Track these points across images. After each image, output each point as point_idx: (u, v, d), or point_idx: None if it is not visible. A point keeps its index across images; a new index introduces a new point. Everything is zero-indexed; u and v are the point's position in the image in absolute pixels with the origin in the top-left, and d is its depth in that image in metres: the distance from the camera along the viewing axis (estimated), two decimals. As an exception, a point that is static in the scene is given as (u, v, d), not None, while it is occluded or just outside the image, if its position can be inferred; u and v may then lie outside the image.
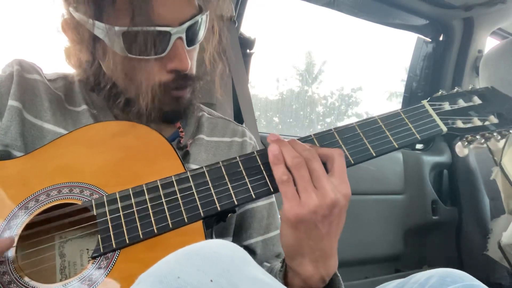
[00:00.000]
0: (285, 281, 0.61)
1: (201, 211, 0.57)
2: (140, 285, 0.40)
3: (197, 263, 0.40)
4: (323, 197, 0.54)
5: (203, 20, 0.70)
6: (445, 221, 2.06)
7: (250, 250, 0.79)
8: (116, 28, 0.62)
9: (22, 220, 0.57)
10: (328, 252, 0.57)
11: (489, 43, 2.12)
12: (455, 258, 2.10)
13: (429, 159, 2.05)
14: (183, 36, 0.66)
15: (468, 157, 2.10)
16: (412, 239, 1.97)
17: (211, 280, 0.39)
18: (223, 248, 0.44)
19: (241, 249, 0.46)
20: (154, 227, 0.56)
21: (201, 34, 0.71)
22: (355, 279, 1.75)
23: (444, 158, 2.12)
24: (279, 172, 0.56)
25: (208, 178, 0.59)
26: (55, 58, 0.75)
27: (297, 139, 0.62)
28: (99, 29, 0.63)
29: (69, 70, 0.77)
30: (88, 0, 0.62)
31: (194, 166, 0.73)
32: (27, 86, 0.69)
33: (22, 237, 0.57)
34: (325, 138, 0.63)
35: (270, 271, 0.70)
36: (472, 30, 2.04)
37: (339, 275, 0.61)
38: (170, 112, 0.72)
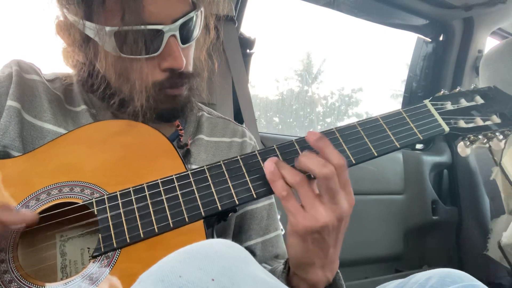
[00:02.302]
0: (287, 282, 0.61)
1: (202, 210, 0.57)
2: (141, 284, 0.40)
3: (199, 262, 0.40)
4: (333, 211, 0.54)
5: (198, 17, 0.69)
6: (445, 221, 2.06)
7: (249, 252, 0.79)
8: (107, 28, 0.62)
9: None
10: (334, 258, 0.58)
11: (489, 43, 2.13)
12: (455, 258, 2.10)
13: (429, 159, 2.05)
14: (177, 33, 0.65)
15: (468, 157, 2.11)
16: (412, 239, 1.97)
17: (213, 279, 0.39)
18: (225, 247, 0.44)
19: (242, 248, 0.46)
20: (155, 226, 0.56)
21: (196, 31, 0.70)
22: (355, 279, 1.75)
23: (444, 158, 2.12)
24: (278, 188, 0.56)
25: (209, 178, 0.59)
26: (54, 58, 0.75)
27: (298, 139, 0.62)
28: (90, 29, 0.63)
29: (67, 70, 0.76)
30: (78, 0, 0.61)
31: (193, 166, 0.73)
32: (26, 86, 0.69)
33: (23, 236, 0.57)
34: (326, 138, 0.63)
35: (272, 273, 0.70)
36: (472, 30, 2.04)
37: (338, 271, 0.62)
38: (167, 111, 0.71)
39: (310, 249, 0.55)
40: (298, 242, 0.55)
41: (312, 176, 0.57)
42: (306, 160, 0.56)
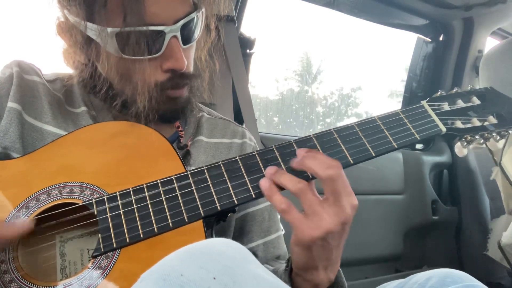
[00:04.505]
0: (290, 281, 0.62)
1: (201, 210, 0.57)
2: (143, 283, 0.40)
3: (200, 261, 0.40)
4: (338, 216, 0.53)
5: (199, 18, 0.69)
6: (445, 221, 2.06)
7: (251, 253, 0.79)
8: (109, 29, 0.62)
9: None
10: (337, 259, 0.58)
11: (489, 43, 2.13)
12: (455, 258, 2.10)
13: (429, 159, 2.05)
14: (178, 34, 0.65)
15: (468, 157, 2.11)
16: (412, 239, 1.97)
17: (214, 278, 0.39)
18: (226, 246, 0.44)
19: (243, 247, 0.47)
20: (155, 227, 0.56)
21: (197, 32, 0.70)
22: (355, 279, 1.75)
23: (444, 158, 2.12)
24: (276, 202, 0.55)
25: (208, 178, 0.60)
26: (54, 58, 0.75)
27: (297, 140, 0.62)
28: (92, 30, 0.63)
29: (68, 70, 0.77)
30: (79, 1, 0.61)
31: (193, 168, 0.73)
32: (26, 88, 0.69)
33: (23, 236, 0.57)
34: (324, 138, 0.63)
35: (275, 273, 0.70)
36: (472, 30, 2.04)
37: (340, 269, 0.62)
38: (168, 112, 0.71)
39: (314, 255, 0.55)
40: (303, 251, 0.55)
41: (310, 176, 0.57)
42: (310, 161, 0.55)
